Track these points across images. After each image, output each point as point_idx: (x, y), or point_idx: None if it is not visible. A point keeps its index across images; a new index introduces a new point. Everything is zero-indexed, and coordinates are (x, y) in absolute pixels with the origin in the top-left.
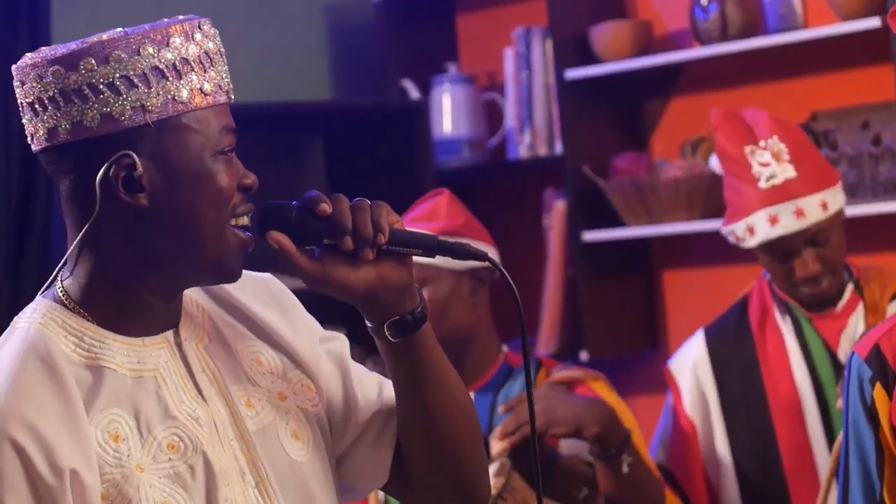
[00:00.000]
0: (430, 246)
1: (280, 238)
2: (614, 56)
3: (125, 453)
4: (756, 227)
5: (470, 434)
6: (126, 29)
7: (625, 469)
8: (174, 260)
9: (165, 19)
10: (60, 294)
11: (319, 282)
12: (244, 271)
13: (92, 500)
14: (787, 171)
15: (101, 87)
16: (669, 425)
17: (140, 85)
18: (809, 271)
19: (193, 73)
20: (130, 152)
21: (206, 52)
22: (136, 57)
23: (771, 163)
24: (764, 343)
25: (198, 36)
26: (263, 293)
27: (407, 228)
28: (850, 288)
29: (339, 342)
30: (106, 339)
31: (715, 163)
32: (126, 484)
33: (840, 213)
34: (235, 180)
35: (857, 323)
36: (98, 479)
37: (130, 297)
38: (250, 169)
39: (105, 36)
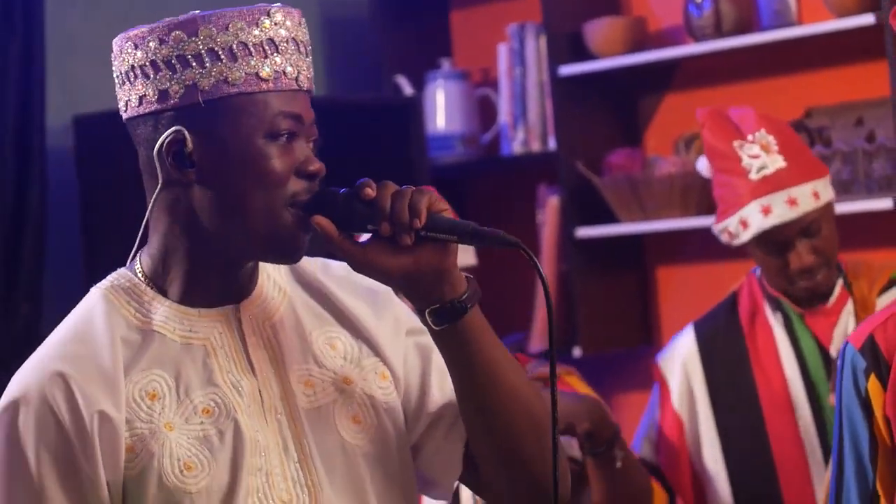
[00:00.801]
0: (465, 232)
1: (322, 222)
2: (608, 52)
3: (157, 411)
4: (749, 220)
5: (531, 429)
6: (198, 12)
7: (618, 464)
8: (222, 236)
9: (245, 7)
10: (137, 265)
11: (361, 265)
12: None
13: (118, 446)
14: (777, 162)
15: (161, 64)
16: (655, 420)
17: (195, 65)
18: (805, 263)
19: (251, 57)
20: (181, 128)
21: (270, 39)
22: (193, 38)
23: (760, 154)
24: (754, 338)
25: (265, 22)
26: (352, 282)
27: (447, 216)
28: (839, 283)
29: (429, 335)
30: (162, 307)
31: (703, 165)
32: (152, 439)
33: (831, 204)
34: (291, 165)
35: (848, 318)
36: (123, 431)
37: (187, 270)
38: None
39: (181, 17)
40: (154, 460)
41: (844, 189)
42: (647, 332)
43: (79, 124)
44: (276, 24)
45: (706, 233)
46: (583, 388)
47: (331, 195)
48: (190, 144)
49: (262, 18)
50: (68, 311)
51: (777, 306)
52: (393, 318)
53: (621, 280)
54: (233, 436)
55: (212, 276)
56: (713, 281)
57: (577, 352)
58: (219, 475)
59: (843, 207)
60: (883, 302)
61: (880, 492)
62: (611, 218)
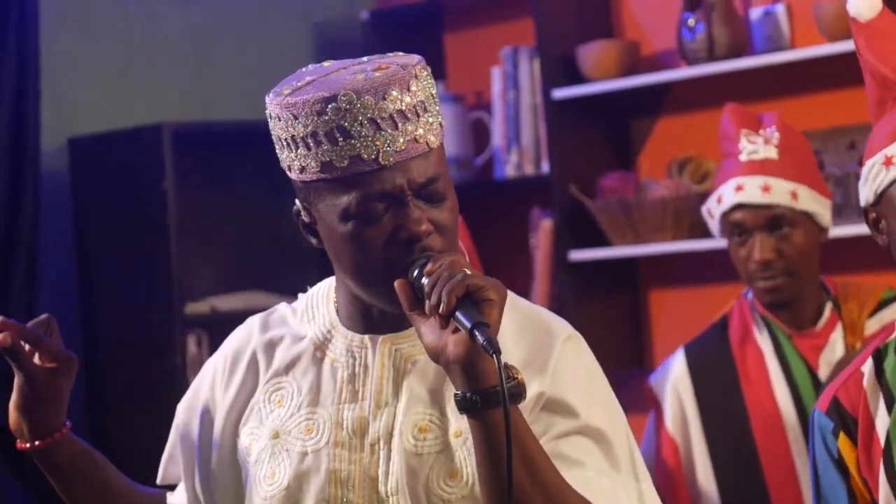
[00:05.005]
0: (469, 327)
1: (399, 288)
2: (601, 76)
3: (273, 419)
4: (723, 196)
5: None
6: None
7: None
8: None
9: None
10: None
11: (418, 336)
12: (542, 312)
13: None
14: (769, 152)
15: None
16: (652, 444)
17: (286, 148)
18: (763, 256)
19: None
20: (297, 201)
21: (333, 128)
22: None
23: (757, 142)
24: (744, 361)
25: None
26: (530, 322)
27: (475, 310)
28: (828, 306)
29: (568, 410)
30: (327, 324)
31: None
32: (259, 440)
33: (812, 217)
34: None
35: (836, 341)
36: (235, 421)
37: (347, 300)
38: (237, 185)
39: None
40: (251, 459)
41: (837, 213)
42: (640, 355)
43: (73, 146)
44: (337, 111)
45: (699, 256)
46: None
47: (415, 265)
48: (304, 216)
49: (324, 107)
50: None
51: (766, 328)
52: (540, 374)
53: (614, 303)
54: (315, 460)
55: (362, 309)
56: (706, 304)
57: None
58: (291, 492)
59: (834, 231)
60: (872, 324)
61: None
62: (604, 241)
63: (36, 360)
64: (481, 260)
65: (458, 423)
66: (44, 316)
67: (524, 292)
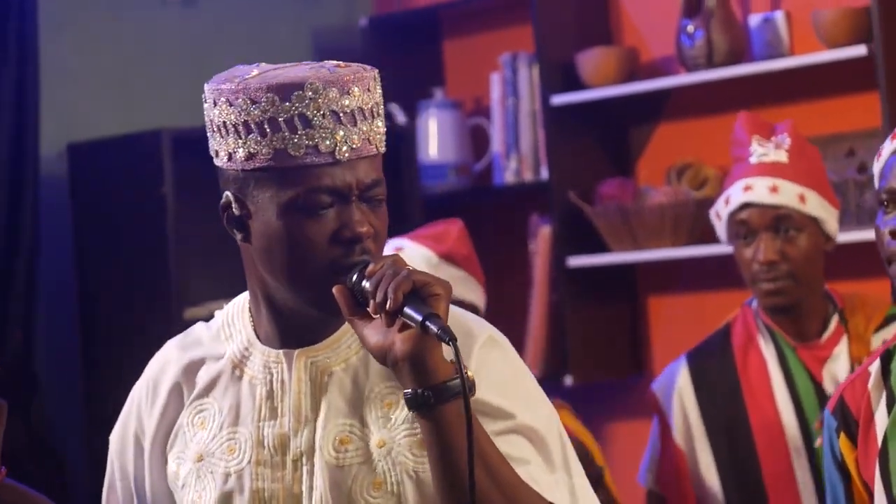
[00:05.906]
0: (420, 319)
1: (338, 293)
2: (600, 82)
3: (197, 441)
4: (731, 197)
5: None
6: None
7: None
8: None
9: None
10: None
11: (359, 339)
12: (462, 314)
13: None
14: (779, 156)
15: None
16: (657, 451)
17: (233, 134)
18: (767, 256)
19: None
20: (228, 193)
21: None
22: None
23: (768, 146)
24: (746, 369)
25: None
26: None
27: (425, 305)
28: (834, 319)
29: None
30: (244, 339)
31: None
32: (184, 465)
33: (818, 223)
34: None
35: (841, 354)
36: (161, 447)
37: (264, 312)
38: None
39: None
40: (179, 484)
41: None
42: (639, 362)
43: (72, 152)
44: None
45: (698, 262)
46: (573, 423)
47: (355, 267)
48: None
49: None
50: (61, 340)
51: (771, 338)
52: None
53: (613, 309)
54: (239, 481)
55: (276, 322)
56: (704, 311)
57: (568, 381)
58: None
59: None
60: (878, 339)
61: None
62: (602, 247)
63: None
64: (481, 266)
65: (381, 434)
66: None
67: (523, 299)
